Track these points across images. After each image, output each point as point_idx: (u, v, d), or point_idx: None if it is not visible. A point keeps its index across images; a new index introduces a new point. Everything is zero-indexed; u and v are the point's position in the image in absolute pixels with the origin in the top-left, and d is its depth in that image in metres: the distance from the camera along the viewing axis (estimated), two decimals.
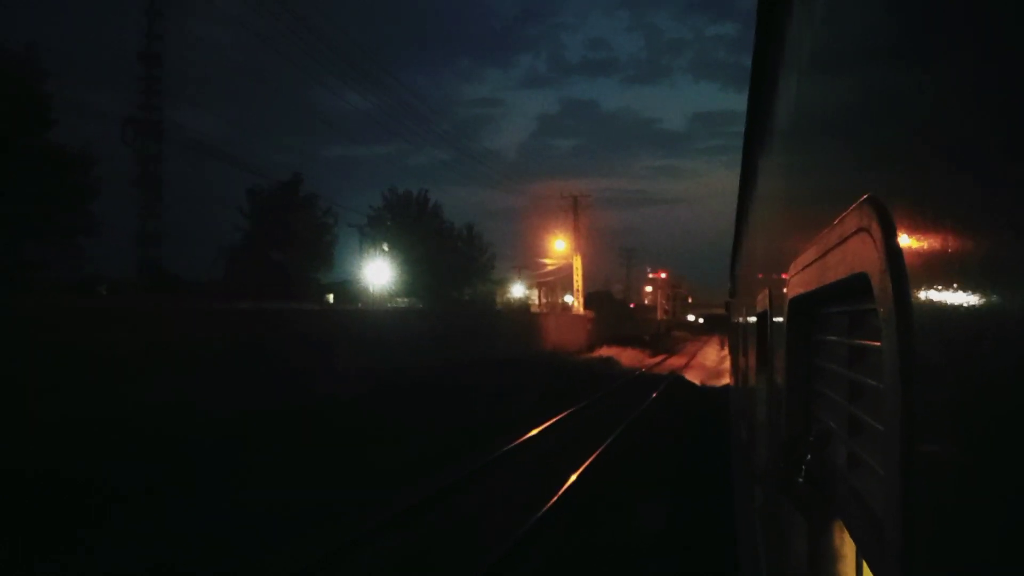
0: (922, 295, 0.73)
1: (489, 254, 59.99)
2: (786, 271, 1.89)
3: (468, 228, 58.80)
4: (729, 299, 14.08)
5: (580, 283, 66.82)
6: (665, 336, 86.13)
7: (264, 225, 44.19)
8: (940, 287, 0.68)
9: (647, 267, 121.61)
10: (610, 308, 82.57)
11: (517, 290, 70.05)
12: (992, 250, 0.56)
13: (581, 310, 66.11)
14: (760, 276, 3.44)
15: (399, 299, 47.55)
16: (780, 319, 2.09)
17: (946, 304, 0.66)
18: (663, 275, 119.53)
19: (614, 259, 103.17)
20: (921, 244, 0.74)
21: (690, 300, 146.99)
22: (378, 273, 45.87)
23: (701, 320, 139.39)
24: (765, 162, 3.31)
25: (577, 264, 66.43)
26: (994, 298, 0.56)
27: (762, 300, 3.03)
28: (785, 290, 1.91)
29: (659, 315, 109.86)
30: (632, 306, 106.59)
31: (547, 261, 67.92)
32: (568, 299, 68.30)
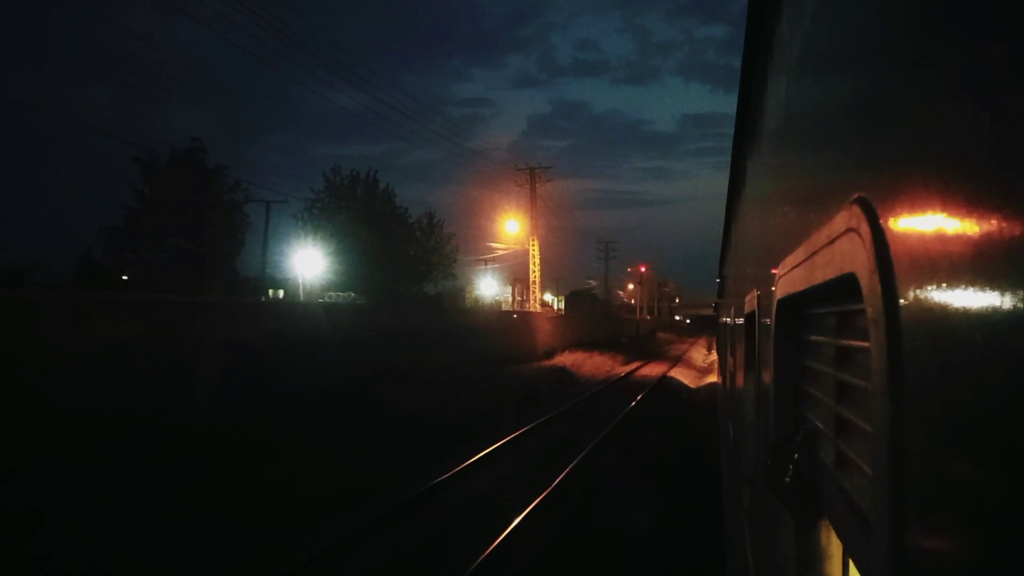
0: (910, 295, 0.73)
1: (452, 246, 52.20)
2: (775, 271, 1.89)
3: (428, 216, 50.83)
4: (717, 300, 14.13)
5: (537, 273, 56.33)
6: (647, 338, 77.75)
7: (157, 202, 36.64)
8: (928, 287, 0.68)
9: (632, 265, 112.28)
10: (591, 308, 79.23)
11: (489, 286, 62.03)
12: (980, 251, 0.57)
13: (539, 307, 56.19)
14: (749, 276, 3.45)
15: (331, 293, 41.91)
16: (768, 320, 2.10)
17: (934, 304, 0.66)
18: (643, 269, 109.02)
19: (596, 258, 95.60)
20: (910, 245, 0.74)
21: (677, 300, 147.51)
22: (308, 263, 39.59)
23: (688, 321, 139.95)
24: (754, 163, 3.32)
25: (534, 250, 55.41)
26: (982, 299, 0.56)
27: (750, 301, 3.05)
28: (774, 290, 1.92)
29: (637, 314, 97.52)
30: (618, 305, 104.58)
31: (497, 246, 58.55)
32: (548, 297, 60.07)
